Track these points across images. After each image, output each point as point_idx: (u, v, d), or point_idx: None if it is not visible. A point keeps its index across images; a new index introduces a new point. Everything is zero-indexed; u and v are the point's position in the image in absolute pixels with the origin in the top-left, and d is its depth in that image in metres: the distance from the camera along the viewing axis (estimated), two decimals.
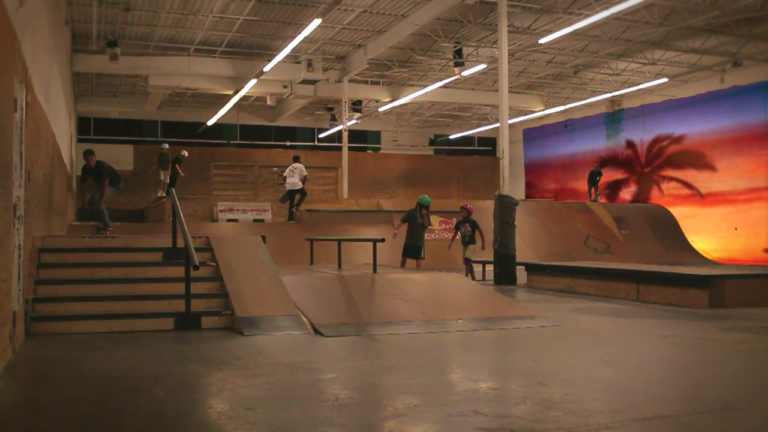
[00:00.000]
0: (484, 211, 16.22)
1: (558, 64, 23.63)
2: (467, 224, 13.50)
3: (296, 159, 19.22)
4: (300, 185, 18.61)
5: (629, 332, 7.45)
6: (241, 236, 10.82)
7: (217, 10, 17.87)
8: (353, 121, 27.31)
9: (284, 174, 19.14)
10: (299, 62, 21.40)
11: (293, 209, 18.74)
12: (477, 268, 13.73)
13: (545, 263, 13.48)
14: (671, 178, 25.81)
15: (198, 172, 28.22)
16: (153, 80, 22.06)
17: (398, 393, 4.55)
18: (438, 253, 17.26)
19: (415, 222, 12.79)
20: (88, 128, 29.01)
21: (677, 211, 23.61)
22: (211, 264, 8.19)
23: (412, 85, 25.98)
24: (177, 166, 21.52)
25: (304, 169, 18.80)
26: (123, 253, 8.32)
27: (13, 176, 5.57)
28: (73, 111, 23.36)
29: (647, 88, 24.53)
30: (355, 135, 30.62)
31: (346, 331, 7.01)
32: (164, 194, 20.78)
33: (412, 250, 12.73)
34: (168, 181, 21.24)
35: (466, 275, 13.21)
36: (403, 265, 12.79)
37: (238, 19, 18.56)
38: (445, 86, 24.59)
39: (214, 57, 21.86)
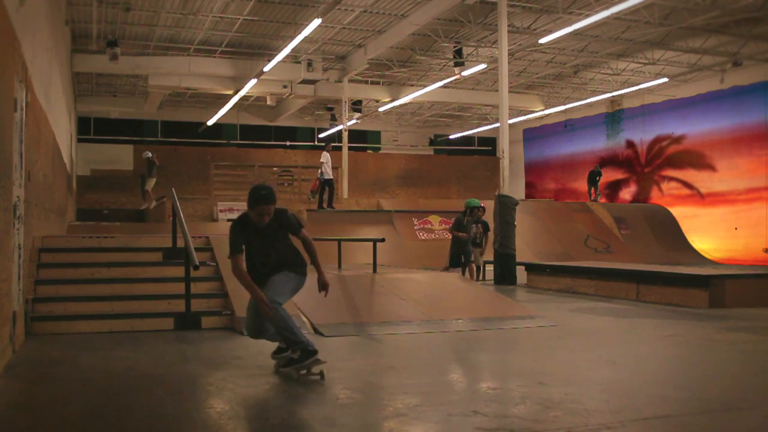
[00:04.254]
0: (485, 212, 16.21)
1: (558, 64, 23.62)
2: (479, 225, 13.43)
3: (323, 147, 19.51)
4: (322, 174, 18.69)
5: (629, 332, 7.45)
6: None
7: (217, 10, 17.87)
8: (353, 121, 27.31)
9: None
10: (299, 62, 21.40)
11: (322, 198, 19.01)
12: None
13: (545, 263, 13.48)
14: (671, 178, 25.80)
15: (198, 172, 28.25)
16: (153, 80, 22.05)
17: (398, 393, 4.55)
18: (438, 253, 17.25)
19: (464, 228, 12.48)
20: (88, 128, 29.01)
21: (677, 211, 23.61)
22: (211, 264, 8.19)
23: (412, 85, 25.98)
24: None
25: (323, 156, 18.81)
26: (123, 253, 8.32)
27: (13, 176, 5.57)
28: (73, 111, 23.36)
29: (647, 88, 24.52)
30: (355, 135, 30.61)
31: (346, 331, 7.01)
32: (154, 203, 20.39)
33: (460, 258, 12.40)
34: (149, 189, 20.78)
35: (473, 276, 13.14)
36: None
37: (238, 19, 18.55)
38: (445, 86, 24.59)
39: (214, 57, 21.86)
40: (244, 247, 4.91)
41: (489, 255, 13.91)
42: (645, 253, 19.72)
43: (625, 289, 10.70)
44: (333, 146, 20.71)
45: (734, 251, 21.95)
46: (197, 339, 6.72)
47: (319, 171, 18.82)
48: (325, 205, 18.99)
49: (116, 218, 22.19)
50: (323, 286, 4.94)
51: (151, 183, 20.73)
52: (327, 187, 18.93)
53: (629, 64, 23.08)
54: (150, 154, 21.13)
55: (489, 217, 13.99)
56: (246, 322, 5.00)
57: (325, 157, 18.71)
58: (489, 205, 14.53)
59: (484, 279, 13.47)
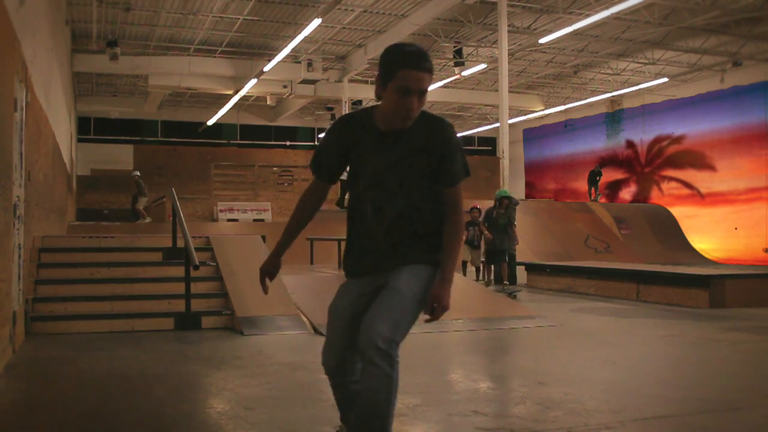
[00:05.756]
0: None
1: (558, 64, 23.62)
2: (476, 227, 13.37)
3: None
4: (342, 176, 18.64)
5: (629, 332, 7.45)
6: (241, 236, 10.82)
7: (217, 10, 17.88)
8: None
9: None
10: (299, 62, 21.41)
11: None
12: (472, 268, 13.73)
13: (545, 263, 13.47)
14: (671, 178, 25.81)
15: (198, 172, 28.25)
16: (153, 80, 22.07)
17: (398, 393, 4.55)
18: None
19: (495, 222, 12.13)
20: (88, 128, 29.03)
21: (677, 211, 23.62)
22: (211, 264, 8.19)
23: None
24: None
25: None
26: (123, 253, 8.32)
27: (13, 176, 5.57)
28: (73, 111, 23.37)
29: (647, 88, 24.53)
30: None
31: None
32: (149, 218, 20.20)
33: (497, 255, 12.04)
34: (141, 207, 20.58)
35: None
36: (487, 276, 12.40)
37: (238, 19, 18.56)
38: (445, 86, 24.60)
39: (214, 57, 21.87)
40: (332, 169, 2.72)
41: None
42: (645, 253, 19.72)
43: (625, 289, 10.70)
44: None
45: (734, 251, 21.96)
46: (197, 339, 6.72)
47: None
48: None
49: (116, 218, 22.20)
50: (438, 303, 2.58)
51: (142, 202, 20.52)
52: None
53: (629, 64, 23.09)
54: (138, 174, 20.99)
55: None
56: (325, 347, 2.79)
57: None
58: (489, 205, 14.51)
59: (484, 279, 13.47)
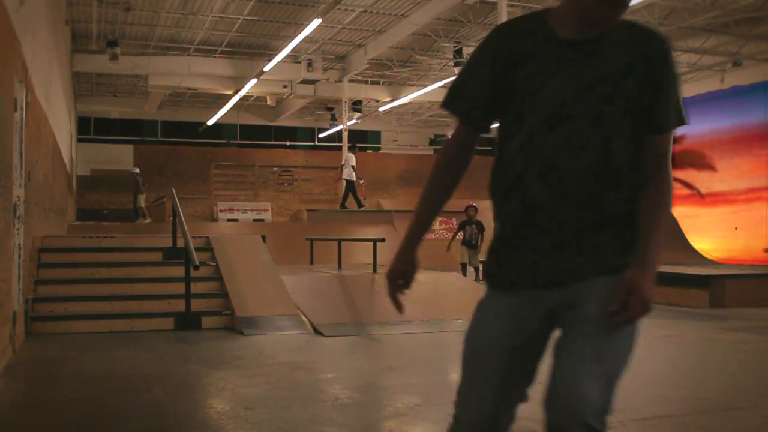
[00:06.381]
0: (485, 212, 16.19)
1: None
2: (473, 225, 13.39)
3: (349, 148, 19.83)
4: (349, 177, 18.87)
5: None
6: (241, 236, 10.82)
7: (217, 10, 17.87)
8: (353, 121, 27.32)
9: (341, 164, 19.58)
10: (299, 62, 21.40)
11: (345, 205, 18.94)
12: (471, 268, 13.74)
13: None
14: None
15: (198, 172, 28.25)
16: (153, 80, 22.05)
17: (398, 393, 4.55)
18: (437, 254, 17.25)
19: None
20: (88, 128, 29.02)
21: (677, 211, 23.58)
22: (211, 264, 8.19)
23: (412, 85, 25.97)
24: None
25: (351, 159, 19.10)
26: (123, 253, 8.33)
27: (13, 176, 5.57)
28: (73, 111, 23.36)
29: None
30: (355, 135, 30.60)
31: (346, 331, 7.02)
32: (149, 219, 20.20)
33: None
34: (142, 205, 20.55)
35: (476, 277, 13.13)
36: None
37: (238, 19, 18.55)
38: (445, 86, 24.57)
39: (214, 57, 21.86)
40: (484, 103, 1.80)
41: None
42: None
43: None
44: (334, 146, 20.90)
45: (734, 251, 21.95)
46: (197, 339, 6.72)
47: (353, 174, 19.16)
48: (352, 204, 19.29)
49: (116, 218, 22.19)
50: (636, 294, 1.60)
51: (141, 199, 20.54)
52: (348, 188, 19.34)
53: None
54: (137, 170, 20.99)
55: (489, 217, 13.96)
56: (464, 396, 1.85)
57: (349, 158, 19.22)
58: (488, 205, 14.51)
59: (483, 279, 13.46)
